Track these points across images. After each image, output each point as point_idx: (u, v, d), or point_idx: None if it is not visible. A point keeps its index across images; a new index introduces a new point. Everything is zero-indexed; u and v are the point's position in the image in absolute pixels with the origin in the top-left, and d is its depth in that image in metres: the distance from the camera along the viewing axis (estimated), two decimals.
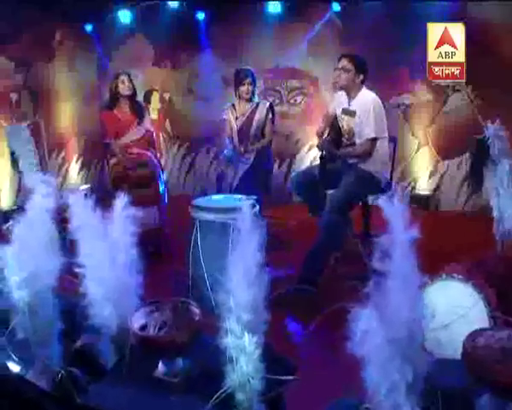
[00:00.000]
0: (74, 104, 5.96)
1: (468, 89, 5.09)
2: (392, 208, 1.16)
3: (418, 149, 5.36)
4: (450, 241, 4.08)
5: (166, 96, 6.15)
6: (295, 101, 5.67)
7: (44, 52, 5.59)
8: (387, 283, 1.15)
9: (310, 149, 5.72)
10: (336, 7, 5.21)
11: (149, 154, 4.30)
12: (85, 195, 1.64)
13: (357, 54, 3.62)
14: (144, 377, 1.46)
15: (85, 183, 6.18)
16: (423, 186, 5.39)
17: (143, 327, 1.43)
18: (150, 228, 3.83)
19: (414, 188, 5.42)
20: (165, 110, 6.16)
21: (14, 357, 1.76)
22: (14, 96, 5.33)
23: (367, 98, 3.43)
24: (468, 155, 5.20)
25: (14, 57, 5.28)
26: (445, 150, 5.30)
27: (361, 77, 3.45)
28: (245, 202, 1.33)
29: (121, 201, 1.66)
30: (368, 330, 1.11)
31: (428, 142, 5.34)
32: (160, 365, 1.44)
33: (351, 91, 3.51)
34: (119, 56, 6.04)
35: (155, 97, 6.11)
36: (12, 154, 4.62)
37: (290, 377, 1.29)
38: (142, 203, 4.05)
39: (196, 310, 1.51)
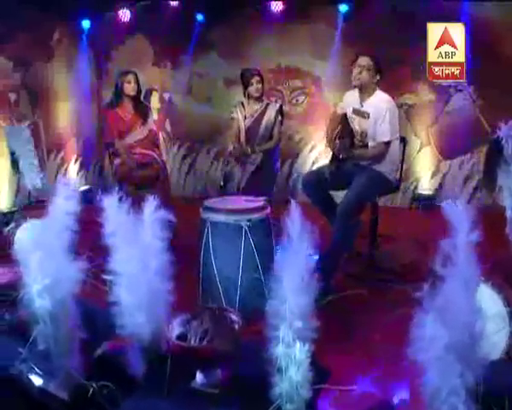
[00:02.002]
0: (73, 104, 5.88)
1: (471, 89, 5.10)
2: (455, 211, 1.13)
3: (420, 149, 5.37)
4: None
5: (166, 96, 6.09)
6: (297, 101, 5.65)
7: (43, 51, 5.51)
8: (448, 287, 1.12)
9: (312, 149, 5.69)
10: (344, 8, 5.19)
11: (154, 154, 4.26)
12: (120, 198, 1.59)
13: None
14: (181, 388, 1.40)
15: (85, 183, 6.11)
16: (425, 186, 5.40)
17: (182, 337, 1.38)
18: None
19: (416, 188, 5.42)
20: (165, 110, 6.10)
21: (36, 369, 1.70)
22: (12, 96, 5.24)
23: (382, 100, 3.40)
24: (469, 154, 5.25)
25: (13, 56, 5.19)
26: (448, 150, 5.32)
27: (378, 77, 3.44)
28: (292, 204, 1.28)
29: (150, 204, 1.61)
30: (434, 336, 1.08)
31: (430, 142, 5.35)
32: (199, 375, 1.39)
33: (366, 91, 3.48)
34: (119, 56, 5.97)
35: (155, 97, 6.05)
36: (12, 154, 4.53)
37: (352, 388, 1.25)
38: None
39: (236, 318, 1.46)
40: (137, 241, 1.56)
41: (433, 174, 5.38)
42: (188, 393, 1.39)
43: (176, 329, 1.42)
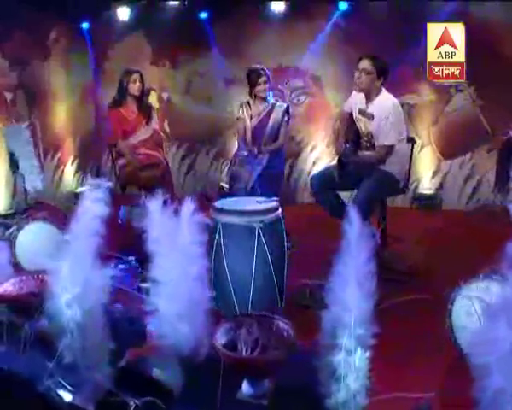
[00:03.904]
0: (70, 104, 5.78)
1: (471, 89, 5.13)
2: None
3: (421, 149, 5.37)
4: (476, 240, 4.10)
5: (165, 95, 6.01)
6: (298, 100, 5.62)
7: (40, 50, 5.41)
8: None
9: (313, 150, 5.68)
10: (343, 6, 5.18)
11: (159, 155, 4.20)
12: (164, 202, 1.53)
13: (377, 55, 3.56)
14: (226, 400, 1.34)
15: (81, 185, 6.02)
16: (426, 185, 5.41)
17: (230, 346, 1.32)
18: None
19: (417, 187, 5.43)
20: (163, 110, 6.02)
21: (64, 384, 1.64)
22: (8, 96, 5.13)
23: (387, 103, 3.37)
24: (470, 154, 5.28)
25: (9, 55, 5.09)
26: (448, 150, 5.34)
27: (381, 79, 3.40)
28: (351, 209, 1.24)
29: (188, 207, 1.55)
30: (501, 338, 1.06)
31: (431, 141, 5.36)
32: (246, 386, 1.34)
33: (370, 94, 3.46)
34: (116, 55, 5.88)
35: (153, 97, 5.96)
36: (11, 155, 4.44)
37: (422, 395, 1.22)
38: None
39: (284, 325, 1.41)
40: (178, 246, 1.51)
41: (434, 174, 5.39)
42: (234, 405, 1.33)
43: (222, 338, 1.37)
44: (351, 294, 1.17)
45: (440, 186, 5.37)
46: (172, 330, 1.51)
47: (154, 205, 1.53)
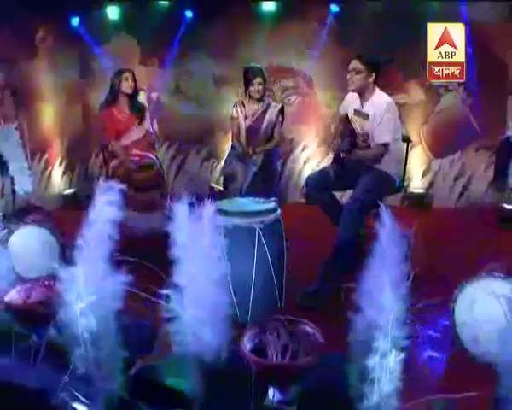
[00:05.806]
0: (57, 105, 5.67)
1: (460, 88, 5.19)
2: None
3: (412, 148, 5.40)
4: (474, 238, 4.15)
5: (154, 95, 5.95)
6: (289, 100, 5.61)
7: (27, 50, 5.29)
8: None
9: (304, 149, 5.68)
10: (334, 8, 5.19)
11: (152, 156, 4.15)
12: (190, 204, 1.49)
13: (368, 53, 3.55)
14: (254, 407, 1.31)
15: (69, 187, 5.92)
16: (417, 184, 5.46)
17: (256, 352, 1.30)
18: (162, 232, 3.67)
19: (408, 186, 5.47)
20: (152, 110, 5.94)
21: (80, 396, 1.60)
22: None
23: (381, 102, 3.37)
24: (459, 153, 5.35)
25: None
26: (438, 149, 5.40)
27: (373, 76, 3.39)
28: (385, 211, 1.23)
29: (209, 209, 1.52)
30: None
31: (422, 141, 5.42)
32: (273, 392, 1.31)
33: (364, 92, 3.45)
34: (105, 55, 5.78)
35: (142, 97, 5.87)
36: (0, 157, 4.34)
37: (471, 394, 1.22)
38: (151, 206, 3.90)
39: (310, 328, 1.39)
40: (200, 251, 1.48)
41: (425, 173, 5.45)
42: None
43: (247, 343, 1.34)
44: (385, 296, 1.16)
45: (431, 185, 5.43)
46: (195, 336, 1.48)
47: (181, 208, 1.49)
